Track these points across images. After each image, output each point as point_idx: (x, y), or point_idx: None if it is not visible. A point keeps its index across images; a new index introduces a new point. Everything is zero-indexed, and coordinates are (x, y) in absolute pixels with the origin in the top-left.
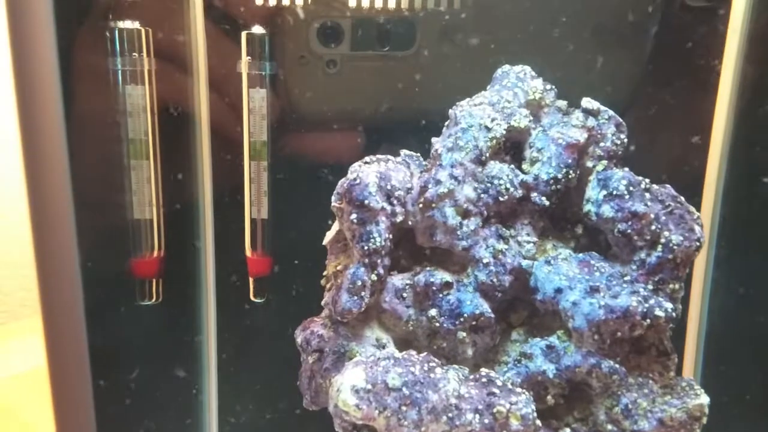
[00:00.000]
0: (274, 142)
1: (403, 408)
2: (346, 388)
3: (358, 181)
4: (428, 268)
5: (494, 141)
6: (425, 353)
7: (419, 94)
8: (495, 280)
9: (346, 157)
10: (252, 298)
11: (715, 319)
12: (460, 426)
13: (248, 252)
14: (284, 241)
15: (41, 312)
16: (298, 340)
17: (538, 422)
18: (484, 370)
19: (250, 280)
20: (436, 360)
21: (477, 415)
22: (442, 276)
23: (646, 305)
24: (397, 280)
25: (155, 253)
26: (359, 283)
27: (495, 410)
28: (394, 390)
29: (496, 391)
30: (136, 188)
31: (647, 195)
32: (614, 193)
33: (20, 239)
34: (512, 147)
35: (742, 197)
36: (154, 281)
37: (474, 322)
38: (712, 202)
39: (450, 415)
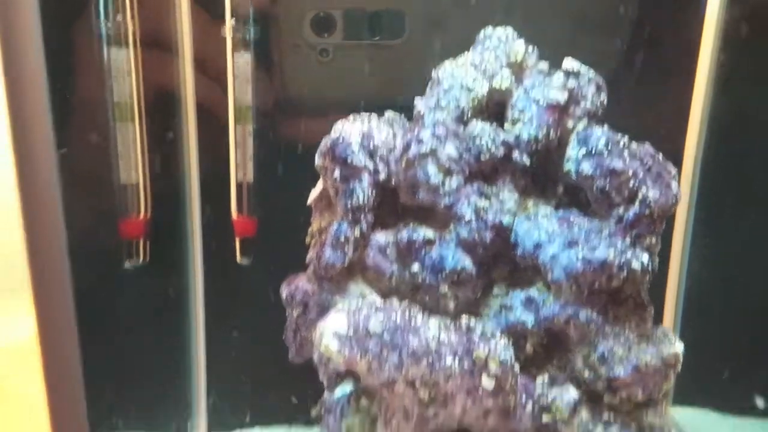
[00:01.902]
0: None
1: (384, 352)
2: (329, 333)
3: (341, 139)
4: (411, 225)
5: (475, 101)
6: (406, 301)
7: (409, 81)
8: (476, 236)
9: None
10: (238, 259)
11: (695, 274)
12: (440, 370)
13: (234, 214)
14: (269, 202)
15: (30, 275)
16: (283, 294)
17: (517, 368)
18: (464, 317)
19: (236, 241)
20: (418, 307)
21: (456, 360)
22: (424, 232)
23: (624, 258)
24: (381, 236)
25: (142, 215)
26: (342, 238)
27: (474, 355)
28: (375, 335)
29: (475, 337)
30: (122, 150)
31: (626, 152)
32: (593, 150)
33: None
34: (495, 108)
35: (722, 154)
36: (141, 242)
37: (456, 277)
38: (692, 159)
39: (430, 359)
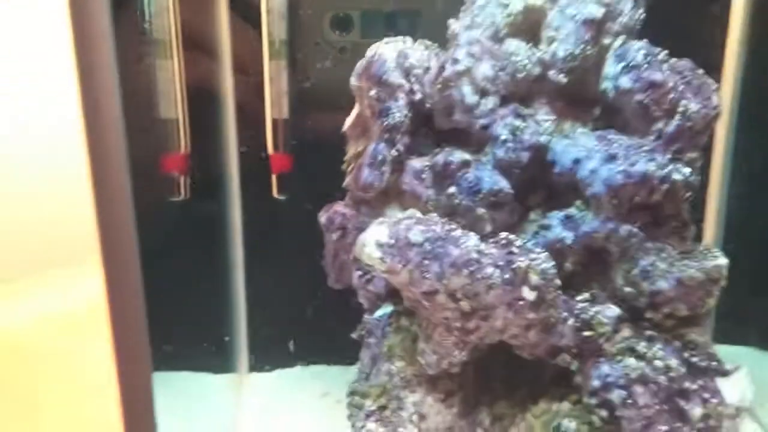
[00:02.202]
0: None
1: (425, 261)
2: (371, 242)
3: (377, 57)
4: (446, 149)
5: (511, 17)
6: (447, 219)
7: None
8: (513, 156)
9: None
10: (275, 194)
11: (736, 193)
12: (481, 279)
13: (270, 150)
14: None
15: (98, 232)
16: (322, 220)
17: (558, 281)
18: (502, 234)
19: (273, 177)
20: (455, 224)
21: (497, 270)
22: (460, 155)
23: (664, 170)
24: (416, 162)
25: (182, 150)
26: (380, 157)
27: (515, 265)
28: (416, 245)
29: (516, 250)
30: (162, 87)
31: (665, 65)
32: (632, 64)
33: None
34: (529, 30)
35: (765, 68)
36: (182, 178)
37: (493, 198)
38: (733, 72)
39: (471, 268)
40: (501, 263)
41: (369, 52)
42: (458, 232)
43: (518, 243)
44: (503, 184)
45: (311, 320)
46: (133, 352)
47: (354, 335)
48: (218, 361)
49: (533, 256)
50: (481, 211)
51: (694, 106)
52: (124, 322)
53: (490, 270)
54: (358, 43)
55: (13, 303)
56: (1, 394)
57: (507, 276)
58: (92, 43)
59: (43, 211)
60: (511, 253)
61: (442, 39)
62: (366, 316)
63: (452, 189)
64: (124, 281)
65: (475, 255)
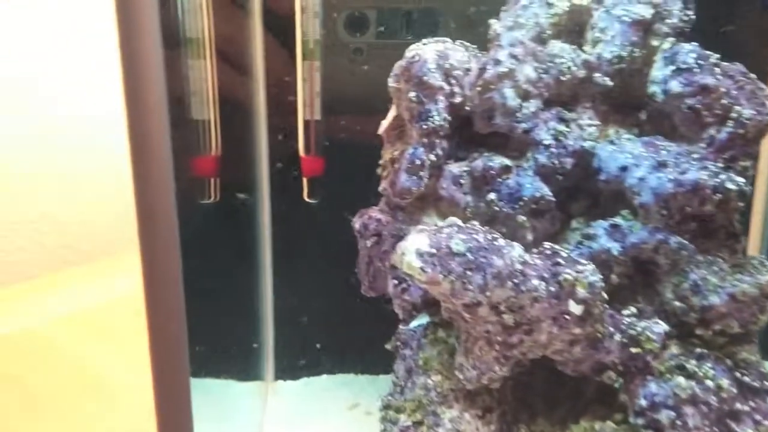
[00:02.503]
0: None
1: (468, 272)
2: (411, 251)
3: (417, 58)
4: (486, 154)
5: (556, 17)
6: (487, 227)
7: None
8: (556, 162)
9: None
10: (306, 198)
11: None
12: (526, 292)
13: (302, 152)
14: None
15: (138, 227)
16: (356, 225)
17: (605, 294)
18: (547, 244)
19: (304, 180)
20: (498, 233)
21: (543, 282)
22: (500, 160)
23: (717, 179)
24: (455, 167)
25: (213, 152)
26: (418, 162)
27: (561, 278)
28: (459, 255)
29: (562, 261)
30: (194, 88)
31: (717, 69)
32: (683, 66)
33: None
34: (572, 32)
35: None
36: (212, 180)
37: (534, 206)
38: None
39: (515, 280)
40: (546, 275)
41: (408, 53)
42: (502, 242)
43: (564, 254)
44: (545, 190)
45: (340, 328)
46: (171, 355)
47: (388, 346)
48: (244, 367)
49: (580, 267)
50: (521, 218)
51: (747, 112)
52: (163, 323)
53: (535, 282)
54: (374, 45)
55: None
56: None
57: (553, 289)
58: (139, 34)
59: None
60: (557, 264)
61: (466, 40)
62: (401, 327)
63: (492, 195)
64: (164, 280)
65: (519, 266)
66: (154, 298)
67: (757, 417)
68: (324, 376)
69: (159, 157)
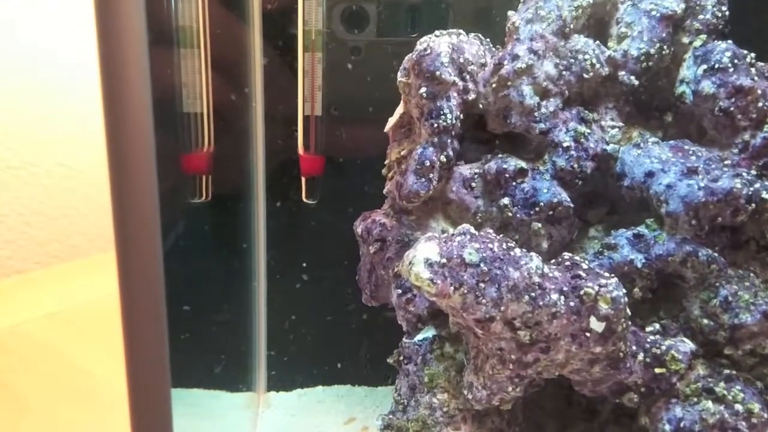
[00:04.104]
0: None
1: (482, 285)
2: (419, 260)
3: (429, 51)
4: (500, 155)
5: (580, 10)
6: (502, 235)
7: None
8: (576, 165)
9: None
10: (304, 198)
11: None
12: (544, 307)
13: (301, 150)
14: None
15: (114, 224)
16: (358, 230)
17: (628, 310)
18: (566, 254)
19: (303, 179)
20: (513, 242)
21: (562, 297)
22: (516, 162)
23: (752, 188)
24: (465, 169)
25: (206, 148)
26: (427, 163)
27: (582, 292)
28: (472, 265)
29: (583, 273)
30: (186, 79)
31: (753, 70)
32: (716, 66)
33: (55, 191)
34: (596, 27)
35: None
36: (204, 178)
37: (550, 212)
38: None
39: (533, 294)
40: (566, 289)
41: (419, 45)
42: (518, 252)
43: (585, 266)
44: (563, 196)
45: (337, 337)
46: (150, 365)
47: (390, 360)
48: (234, 377)
49: (603, 281)
50: (536, 225)
51: None
52: (141, 330)
53: (554, 296)
54: (374, 43)
55: None
56: None
57: (573, 304)
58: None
59: None
60: (577, 277)
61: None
62: (405, 339)
63: (505, 200)
64: (143, 285)
65: (537, 279)
66: (130, 303)
67: None
68: (319, 388)
69: (140, 152)
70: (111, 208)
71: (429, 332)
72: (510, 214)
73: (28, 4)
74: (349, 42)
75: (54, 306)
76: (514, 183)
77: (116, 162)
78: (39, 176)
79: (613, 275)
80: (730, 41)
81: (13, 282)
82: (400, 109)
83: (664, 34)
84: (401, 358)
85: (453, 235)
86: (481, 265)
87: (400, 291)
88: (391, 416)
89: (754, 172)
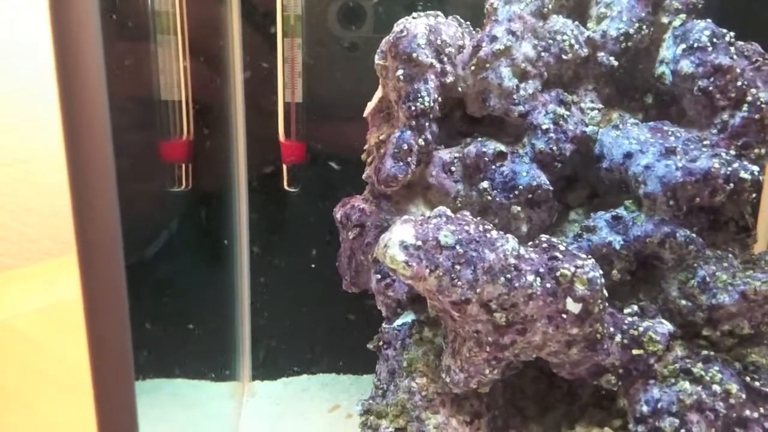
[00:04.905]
0: None
1: (457, 267)
2: (395, 243)
3: (405, 32)
4: (479, 139)
5: None
6: (479, 217)
7: None
8: (555, 148)
9: None
10: (286, 186)
11: None
12: (519, 288)
13: (281, 137)
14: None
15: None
16: (337, 216)
17: (605, 291)
18: (544, 236)
19: (284, 167)
20: (491, 225)
21: (538, 278)
22: (495, 146)
23: (730, 167)
24: (445, 153)
25: (185, 136)
26: (405, 147)
27: (558, 273)
28: (447, 248)
29: (559, 255)
30: (163, 66)
31: (732, 49)
32: (695, 45)
33: (47, 188)
34: (576, 7)
35: None
36: (183, 166)
37: (530, 195)
38: None
39: (508, 276)
40: (542, 270)
41: (396, 27)
42: (495, 234)
43: (562, 247)
44: (542, 179)
45: (321, 325)
46: (113, 358)
47: (370, 346)
48: (218, 367)
49: (579, 262)
50: (516, 209)
51: (764, 96)
52: (102, 323)
53: (530, 278)
54: (372, 39)
55: None
56: None
57: (549, 285)
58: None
59: None
60: (554, 258)
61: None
62: (384, 325)
63: (485, 184)
64: (104, 280)
65: (513, 260)
66: (93, 300)
67: (767, 425)
68: (304, 376)
69: (96, 138)
70: (69, 199)
71: (408, 317)
72: (489, 197)
73: (28, 4)
74: (346, 38)
75: (41, 301)
76: (493, 166)
77: (73, 152)
78: (31, 174)
79: (589, 256)
80: (709, 20)
81: (1, 278)
82: (378, 94)
83: (643, 14)
84: (381, 343)
85: (429, 217)
86: (457, 247)
87: (379, 276)
88: (370, 401)
89: (732, 152)
